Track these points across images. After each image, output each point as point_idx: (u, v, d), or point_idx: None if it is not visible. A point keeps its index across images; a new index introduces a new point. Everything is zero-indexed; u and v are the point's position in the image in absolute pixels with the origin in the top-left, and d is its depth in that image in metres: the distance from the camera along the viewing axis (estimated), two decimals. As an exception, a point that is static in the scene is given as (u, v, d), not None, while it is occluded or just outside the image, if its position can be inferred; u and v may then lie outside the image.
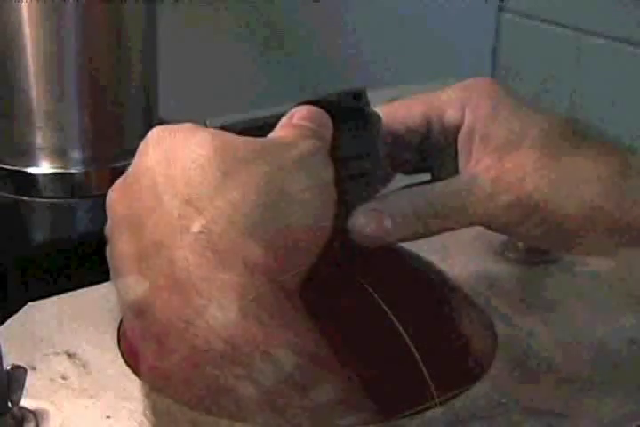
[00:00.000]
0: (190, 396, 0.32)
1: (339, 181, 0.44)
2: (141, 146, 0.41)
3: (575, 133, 0.47)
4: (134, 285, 0.37)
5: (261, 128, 0.44)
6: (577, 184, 0.45)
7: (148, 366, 0.35)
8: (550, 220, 0.45)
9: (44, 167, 0.62)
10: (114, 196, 0.41)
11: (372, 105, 0.74)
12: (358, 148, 0.47)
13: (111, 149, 0.62)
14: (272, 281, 0.35)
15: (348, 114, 0.47)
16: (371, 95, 0.77)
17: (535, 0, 1.02)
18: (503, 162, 0.45)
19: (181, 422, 0.32)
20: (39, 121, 0.61)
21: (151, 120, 0.66)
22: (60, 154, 0.62)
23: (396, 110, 0.49)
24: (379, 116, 0.47)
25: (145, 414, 0.34)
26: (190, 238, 0.36)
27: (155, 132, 0.41)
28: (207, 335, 0.33)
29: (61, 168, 0.62)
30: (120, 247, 0.39)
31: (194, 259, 0.35)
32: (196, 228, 0.36)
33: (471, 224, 0.47)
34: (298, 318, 0.35)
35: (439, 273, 0.54)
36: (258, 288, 0.35)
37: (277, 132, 0.43)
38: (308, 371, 0.33)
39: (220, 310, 0.34)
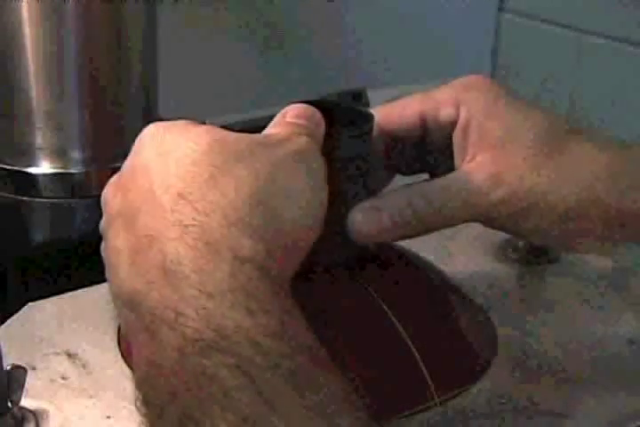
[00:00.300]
0: (180, 386, 0.32)
1: (338, 181, 0.44)
2: (136, 143, 0.42)
3: (572, 129, 0.47)
4: (127, 277, 0.37)
5: (261, 128, 0.44)
6: (575, 179, 0.45)
7: (138, 358, 0.35)
8: (548, 216, 0.45)
9: (44, 167, 0.62)
10: (108, 192, 0.42)
11: (372, 105, 0.74)
12: (357, 148, 0.47)
13: (111, 149, 0.62)
14: (262, 273, 0.36)
15: (345, 114, 0.47)
16: (371, 95, 0.77)
17: (535, 0, 1.02)
18: (500, 158, 0.45)
19: (171, 413, 0.32)
20: (39, 121, 0.61)
21: (151, 120, 0.65)
22: (60, 154, 0.62)
23: (391, 111, 0.49)
24: (372, 115, 0.47)
25: (137, 406, 0.34)
26: (182, 231, 0.36)
27: (149, 129, 0.42)
28: (197, 325, 0.33)
29: (61, 168, 0.62)
30: (114, 242, 0.39)
31: (185, 251, 0.36)
32: (188, 221, 0.36)
33: (469, 220, 0.47)
34: (287, 310, 0.35)
35: (439, 273, 0.54)
36: (247, 279, 0.35)
37: (270, 130, 0.43)
38: (297, 361, 0.33)
39: (210, 301, 0.34)
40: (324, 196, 0.41)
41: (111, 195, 0.41)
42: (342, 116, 0.47)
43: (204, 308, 0.34)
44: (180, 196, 0.37)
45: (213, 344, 0.32)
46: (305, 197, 0.39)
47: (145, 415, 0.33)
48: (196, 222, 0.36)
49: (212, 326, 0.33)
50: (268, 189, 0.38)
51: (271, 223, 0.38)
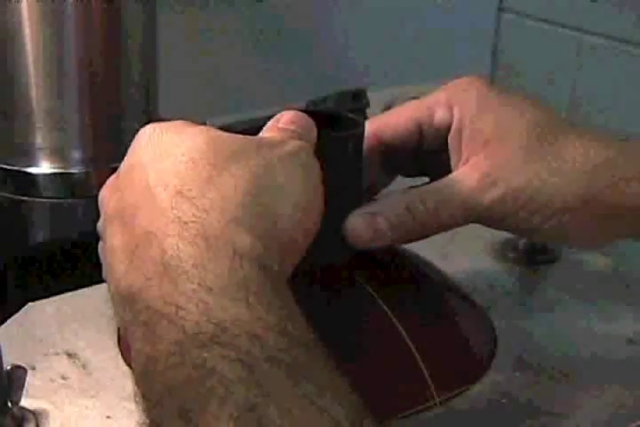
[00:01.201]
0: (180, 379, 0.32)
1: (331, 184, 0.44)
2: (133, 143, 0.42)
3: (563, 121, 0.47)
4: (125, 274, 0.37)
5: (261, 128, 0.44)
6: (570, 172, 0.45)
7: (136, 354, 0.35)
8: (545, 210, 0.45)
9: (43, 167, 0.62)
10: (106, 192, 0.42)
11: (371, 105, 0.74)
12: (347, 151, 0.47)
13: (111, 149, 0.62)
14: (261, 268, 0.36)
15: (336, 121, 0.48)
16: (371, 95, 0.77)
17: (535, 0, 1.02)
18: (492, 156, 0.45)
19: (171, 406, 0.32)
20: (39, 121, 0.61)
21: (151, 120, 0.65)
22: (59, 154, 0.62)
23: (386, 120, 0.49)
24: (362, 121, 0.48)
25: (136, 402, 0.34)
26: (182, 228, 0.36)
27: (146, 130, 0.42)
28: (197, 319, 0.33)
29: (61, 168, 0.62)
30: (112, 240, 0.39)
31: (184, 247, 0.36)
32: (187, 217, 0.37)
33: (467, 221, 0.47)
34: (285, 304, 0.35)
35: (439, 273, 0.54)
36: (246, 274, 0.35)
37: (264, 134, 0.43)
38: (294, 354, 0.33)
39: (209, 295, 0.34)
40: (319, 195, 0.41)
41: (108, 195, 0.41)
42: (333, 122, 0.47)
43: (204, 302, 0.34)
44: (179, 193, 0.38)
45: (213, 338, 0.33)
46: (300, 196, 0.40)
47: (144, 410, 0.34)
48: (195, 219, 0.37)
49: (211, 320, 0.33)
50: (264, 187, 0.39)
51: (267, 220, 0.38)
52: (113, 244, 0.39)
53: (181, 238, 0.36)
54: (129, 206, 0.39)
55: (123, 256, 0.38)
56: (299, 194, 0.40)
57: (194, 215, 0.37)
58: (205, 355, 0.32)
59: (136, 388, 0.35)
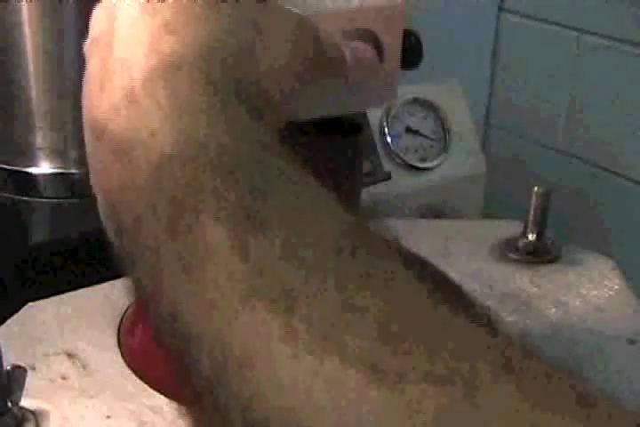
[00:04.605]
0: (162, 198, 0.32)
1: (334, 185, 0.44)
2: None
3: None
4: (96, 101, 0.37)
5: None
6: None
7: (103, 185, 0.35)
8: None
9: (43, 167, 0.62)
10: (97, 12, 0.41)
11: (371, 105, 0.73)
12: (347, 155, 0.47)
13: (111, 149, 0.62)
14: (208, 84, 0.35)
15: (339, 123, 0.48)
16: (371, 95, 0.77)
17: (535, 0, 1.02)
18: None
19: (156, 222, 0.31)
20: (39, 121, 0.61)
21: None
22: (59, 154, 0.62)
23: None
24: (362, 126, 0.48)
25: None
26: (158, 57, 0.36)
27: None
28: (173, 140, 0.33)
29: (61, 168, 0.62)
30: (90, 65, 0.39)
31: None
32: (167, 49, 0.36)
33: None
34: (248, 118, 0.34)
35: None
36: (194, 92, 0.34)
37: None
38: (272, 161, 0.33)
39: (182, 120, 0.34)
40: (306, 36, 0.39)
41: (97, 16, 0.41)
42: (335, 125, 0.47)
43: (179, 127, 0.33)
44: (165, 25, 0.37)
45: (193, 157, 0.32)
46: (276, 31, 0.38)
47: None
48: (174, 49, 0.36)
49: (190, 141, 0.33)
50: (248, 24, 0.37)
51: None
52: (90, 68, 0.38)
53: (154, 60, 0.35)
54: (112, 31, 0.38)
55: (95, 82, 0.37)
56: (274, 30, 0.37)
57: (171, 46, 0.36)
58: (187, 174, 0.32)
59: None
